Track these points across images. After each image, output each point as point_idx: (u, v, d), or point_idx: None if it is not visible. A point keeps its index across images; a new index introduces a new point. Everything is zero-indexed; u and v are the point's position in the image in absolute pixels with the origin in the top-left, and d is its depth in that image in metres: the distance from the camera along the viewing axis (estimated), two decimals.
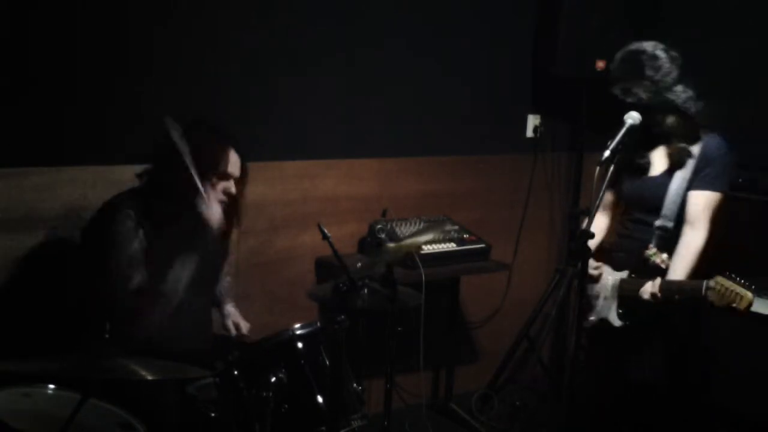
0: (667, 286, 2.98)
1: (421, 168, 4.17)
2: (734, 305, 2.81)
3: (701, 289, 2.88)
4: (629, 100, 3.00)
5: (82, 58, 3.16)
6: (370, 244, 3.77)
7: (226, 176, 2.83)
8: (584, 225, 2.73)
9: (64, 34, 3.11)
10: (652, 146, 3.16)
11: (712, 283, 2.85)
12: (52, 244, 3.10)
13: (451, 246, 3.86)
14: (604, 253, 3.32)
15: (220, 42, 3.46)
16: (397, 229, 3.80)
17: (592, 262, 3.20)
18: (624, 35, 4.19)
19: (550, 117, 4.51)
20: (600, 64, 4.08)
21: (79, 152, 3.19)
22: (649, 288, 3.01)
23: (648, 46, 3.07)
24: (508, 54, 4.34)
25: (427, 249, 3.75)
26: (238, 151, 2.87)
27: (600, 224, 3.33)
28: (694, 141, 3.09)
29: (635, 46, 3.09)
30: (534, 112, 4.49)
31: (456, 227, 3.99)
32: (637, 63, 3.03)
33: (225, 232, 2.96)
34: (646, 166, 3.17)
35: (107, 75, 3.21)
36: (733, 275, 2.86)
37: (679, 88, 3.04)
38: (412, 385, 4.02)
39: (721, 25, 4.32)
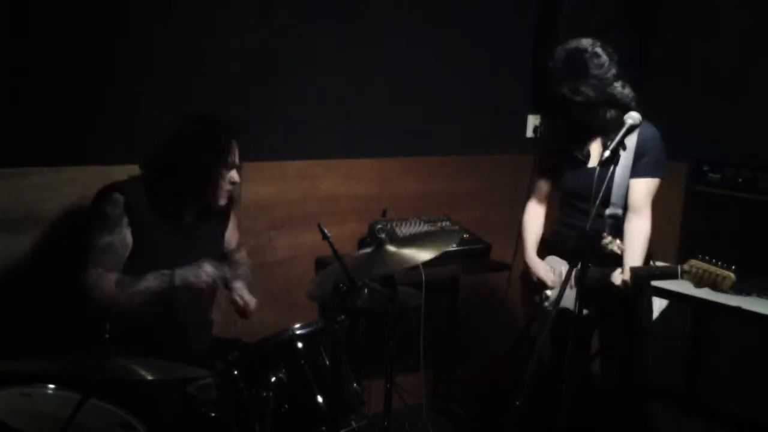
0: (637, 272, 3.08)
1: (421, 168, 4.17)
2: (717, 287, 2.95)
3: (676, 273, 3.02)
4: (578, 99, 3.06)
5: (82, 58, 3.16)
6: (370, 244, 3.76)
7: (232, 166, 2.92)
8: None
9: (64, 34, 3.11)
10: (589, 139, 3.23)
11: (686, 267, 3.00)
12: (52, 244, 3.10)
13: (451, 246, 3.85)
14: (548, 245, 3.47)
15: (220, 42, 3.46)
16: (397, 229, 3.80)
17: (551, 276, 3.37)
18: (624, 35, 4.21)
19: (550, 117, 4.51)
20: None
21: (79, 152, 3.19)
22: (619, 275, 3.10)
23: (587, 44, 3.11)
24: (508, 54, 4.34)
25: None
26: (237, 140, 2.96)
27: (540, 216, 3.54)
28: (630, 132, 3.14)
29: (574, 44, 3.13)
30: (534, 112, 4.49)
31: (456, 227, 3.99)
32: (582, 62, 3.07)
33: (224, 222, 3.12)
34: (587, 159, 3.25)
35: (107, 75, 3.21)
36: (707, 257, 2.98)
37: (618, 83, 3.09)
38: (412, 385, 4.02)
39: (721, 25, 4.32)
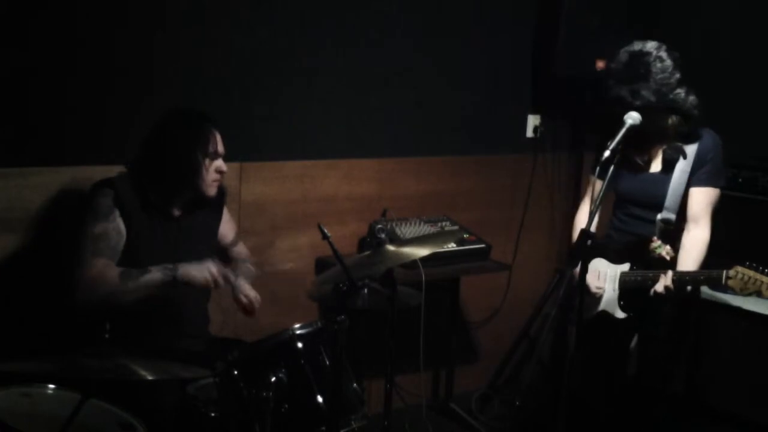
0: (680, 278, 3.04)
1: (421, 168, 4.17)
2: (762, 295, 2.92)
3: (721, 279, 2.97)
4: (637, 102, 2.99)
5: (82, 59, 3.16)
6: (370, 244, 3.77)
7: (216, 156, 2.93)
8: (581, 225, 2.74)
9: (65, 35, 3.11)
10: (649, 144, 3.18)
11: (732, 272, 2.94)
12: (52, 244, 3.10)
13: (451, 246, 3.85)
14: (597, 248, 3.35)
15: (221, 42, 3.46)
16: (397, 229, 3.80)
17: (595, 281, 3.25)
18: (624, 35, 4.20)
19: (550, 117, 4.51)
20: (600, 64, 4.08)
21: (79, 152, 3.19)
22: (663, 281, 3.04)
23: (651, 47, 3.07)
24: (508, 54, 4.34)
25: None
26: (217, 130, 2.96)
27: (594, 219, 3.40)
28: (692, 140, 3.14)
29: (638, 47, 3.09)
30: (534, 112, 4.49)
31: (456, 227, 3.99)
32: (645, 65, 3.02)
33: (218, 214, 3.14)
34: (646, 165, 3.21)
35: (107, 75, 3.21)
36: (754, 264, 2.95)
37: (681, 89, 3.05)
38: (412, 385, 4.02)
39: (721, 25, 4.32)
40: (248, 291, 3.04)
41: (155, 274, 2.79)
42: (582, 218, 3.42)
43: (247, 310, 3.04)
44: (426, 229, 3.91)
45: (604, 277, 3.26)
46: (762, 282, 2.91)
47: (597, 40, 4.12)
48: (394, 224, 3.82)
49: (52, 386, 2.43)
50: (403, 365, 3.69)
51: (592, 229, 3.37)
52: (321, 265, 3.78)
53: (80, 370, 2.18)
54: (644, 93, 3.00)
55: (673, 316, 3.21)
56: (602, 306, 3.24)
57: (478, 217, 4.27)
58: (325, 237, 2.60)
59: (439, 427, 4.02)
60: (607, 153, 2.75)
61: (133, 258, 2.84)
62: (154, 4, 3.29)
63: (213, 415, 2.59)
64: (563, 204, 4.65)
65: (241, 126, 3.53)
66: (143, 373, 2.22)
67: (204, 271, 2.82)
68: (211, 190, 2.95)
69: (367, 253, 2.96)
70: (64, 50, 3.12)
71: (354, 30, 3.83)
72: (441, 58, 4.12)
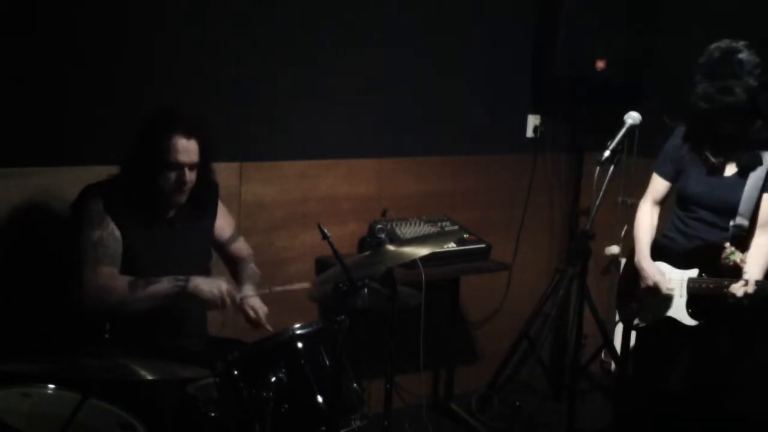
0: (763, 286, 2.97)
1: (421, 168, 4.17)
2: None
3: None
4: (728, 99, 2.91)
5: (82, 59, 3.16)
6: (370, 244, 3.77)
7: (175, 165, 2.81)
8: (583, 225, 2.73)
9: (64, 35, 3.11)
10: (728, 147, 3.11)
11: None
12: (54, 245, 3.10)
13: (451, 246, 3.85)
14: (657, 250, 3.28)
15: (220, 42, 3.47)
16: (397, 229, 3.80)
17: (666, 282, 3.15)
18: (624, 35, 4.20)
19: (550, 117, 4.51)
20: (600, 64, 4.08)
21: (79, 152, 3.19)
22: (742, 287, 2.97)
23: (743, 45, 2.99)
24: (508, 54, 4.34)
25: None
26: (190, 136, 2.81)
27: (655, 219, 3.33)
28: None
29: (728, 44, 3.00)
30: (534, 112, 4.49)
31: (456, 227, 3.99)
32: (738, 62, 2.93)
33: (205, 218, 3.06)
34: (719, 168, 3.13)
35: (107, 75, 3.21)
36: None
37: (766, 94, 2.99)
38: (412, 385, 4.02)
39: (721, 25, 4.32)
40: (256, 303, 3.02)
41: (164, 285, 2.78)
42: (646, 221, 3.32)
43: (254, 323, 3.02)
44: (426, 229, 3.91)
45: (670, 281, 3.18)
46: None
47: (597, 40, 4.12)
48: (394, 224, 3.82)
49: (52, 386, 2.43)
50: (403, 365, 3.68)
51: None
52: (321, 265, 3.78)
53: (80, 370, 2.18)
54: (737, 90, 2.91)
55: (744, 326, 3.13)
56: (669, 313, 3.16)
57: (478, 217, 4.27)
58: (325, 237, 2.60)
59: (439, 427, 4.01)
60: (606, 153, 2.73)
61: (131, 263, 2.83)
62: (154, 4, 3.29)
63: (213, 415, 2.59)
64: (563, 204, 4.65)
65: (240, 126, 3.53)
66: (143, 373, 2.22)
67: (214, 288, 2.81)
68: (175, 199, 2.87)
69: (367, 253, 2.96)
70: (64, 50, 3.12)
71: (354, 30, 3.83)
72: (441, 58, 4.12)
